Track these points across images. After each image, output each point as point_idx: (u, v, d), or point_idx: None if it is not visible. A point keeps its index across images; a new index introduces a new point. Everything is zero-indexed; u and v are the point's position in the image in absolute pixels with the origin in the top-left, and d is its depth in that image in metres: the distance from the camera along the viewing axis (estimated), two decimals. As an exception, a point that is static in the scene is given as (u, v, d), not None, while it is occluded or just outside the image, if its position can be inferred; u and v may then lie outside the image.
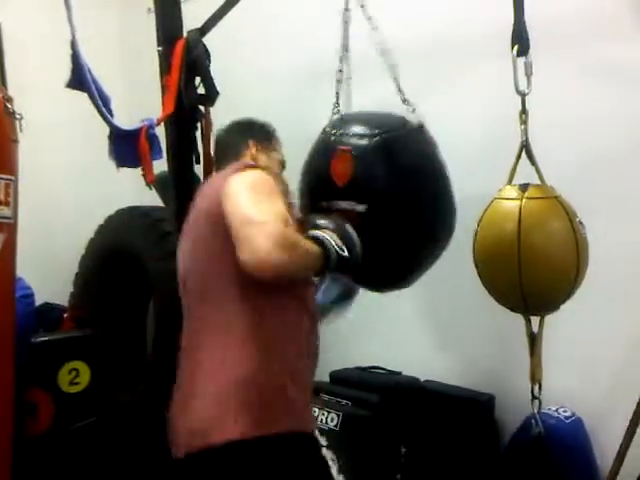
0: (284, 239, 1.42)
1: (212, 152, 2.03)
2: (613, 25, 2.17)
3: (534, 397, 1.75)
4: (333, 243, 1.57)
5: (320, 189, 1.93)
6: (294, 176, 2.00)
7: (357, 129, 1.91)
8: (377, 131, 1.86)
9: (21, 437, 2.28)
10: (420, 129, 1.96)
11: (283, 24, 3.06)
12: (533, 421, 1.83)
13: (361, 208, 1.80)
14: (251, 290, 1.54)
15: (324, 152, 1.97)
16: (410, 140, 1.92)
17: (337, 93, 2.11)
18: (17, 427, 2.24)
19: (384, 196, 1.83)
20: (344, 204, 1.84)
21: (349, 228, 1.64)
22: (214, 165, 1.97)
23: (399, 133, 1.89)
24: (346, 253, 1.57)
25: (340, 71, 2.10)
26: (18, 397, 2.25)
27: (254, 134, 1.95)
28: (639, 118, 2.12)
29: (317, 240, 1.57)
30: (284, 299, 1.59)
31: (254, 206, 1.50)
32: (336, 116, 2.11)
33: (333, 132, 1.97)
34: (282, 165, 1.95)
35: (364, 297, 2.78)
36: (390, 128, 1.88)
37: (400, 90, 1.98)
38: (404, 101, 1.96)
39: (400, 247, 1.86)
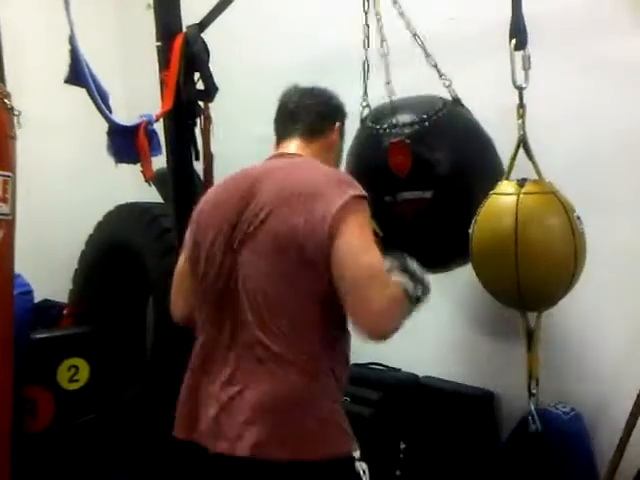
0: (394, 299, 1.41)
1: (279, 115, 1.80)
2: (612, 21, 2.16)
3: (531, 393, 1.75)
4: (410, 289, 1.47)
5: (380, 185, 1.90)
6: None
7: (403, 118, 1.92)
8: (424, 116, 1.90)
9: (20, 434, 2.29)
10: (457, 102, 2.01)
11: (283, 20, 3.05)
12: (530, 418, 1.82)
13: (428, 195, 1.82)
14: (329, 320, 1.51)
15: (375, 147, 1.96)
16: (455, 116, 1.97)
17: (365, 85, 2.11)
18: (16, 424, 2.25)
19: (448, 178, 1.85)
20: (409, 195, 1.85)
21: (411, 262, 1.53)
22: (276, 131, 1.77)
23: (444, 113, 1.93)
24: (420, 293, 1.50)
25: (365, 62, 2.10)
26: (17, 394, 2.26)
27: (340, 113, 1.79)
28: (637, 114, 2.11)
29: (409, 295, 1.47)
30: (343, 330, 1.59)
31: (371, 252, 1.41)
32: (366, 109, 2.12)
33: (378, 126, 1.97)
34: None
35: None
36: (434, 110, 1.92)
37: (437, 69, 2.02)
38: (441, 76, 2.00)
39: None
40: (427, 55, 2.02)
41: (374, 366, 2.82)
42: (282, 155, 1.68)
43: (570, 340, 2.32)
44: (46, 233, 3.10)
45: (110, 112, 2.47)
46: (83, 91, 2.40)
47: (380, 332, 1.42)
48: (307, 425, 1.45)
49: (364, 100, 2.11)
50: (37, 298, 2.69)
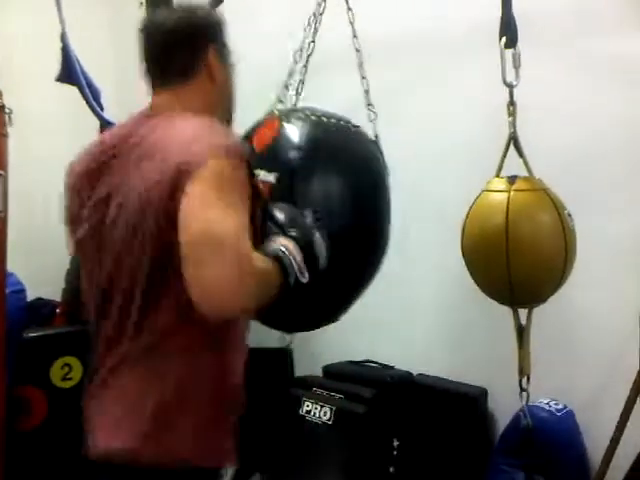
0: (250, 274, 1.14)
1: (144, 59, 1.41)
2: (605, 19, 2.17)
3: (522, 390, 1.75)
4: (295, 265, 1.27)
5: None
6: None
7: (304, 109, 1.74)
8: (316, 115, 1.68)
9: (13, 432, 2.28)
10: (362, 134, 1.78)
11: (272, 18, 3.04)
12: (522, 414, 1.83)
13: (271, 178, 1.58)
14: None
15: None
16: (348, 135, 1.73)
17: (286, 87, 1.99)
18: (10, 422, 2.25)
19: (297, 168, 1.60)
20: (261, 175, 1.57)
21: (317, 235, 1.37)
22: (159, 85, 1.38)
23: (339, 124, 1.70)
24: (305, 277, 1.28)
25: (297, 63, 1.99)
26: (10, 393, 2.25)
27: (209, 33, 1.39)
28: (628, 111, 2.12)
29: (277, 258, 1.26)
30: None
31: (217, 217, 1.15)
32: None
33: (284, 109, 1.81)
34: (233, 68, 1.48)
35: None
36: (332, 117, 1.71)
37: (366, 92, 1.89)
38: (368, 105, 1.86)
39: None
40: (362, 77, 1.90)
41: (368, 363, 2.83)
42: (147, 117, 1.36)
43: (562, 337, 2.32)
44: (38, 231, 3.09)
45: (102, 110, 2.48)
46: (75, 89, 2.40)
47: (216, 310, 1.15)
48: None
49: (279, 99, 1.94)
50: (30, 297, 2.68)
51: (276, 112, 1.76)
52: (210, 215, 1.16)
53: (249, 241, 1.18)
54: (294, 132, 1.62)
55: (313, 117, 1.65)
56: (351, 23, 1.92)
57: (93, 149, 1.41)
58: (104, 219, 1.32)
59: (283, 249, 1.27)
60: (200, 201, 1.17)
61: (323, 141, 1.63)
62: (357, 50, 1.91)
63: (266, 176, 1.58)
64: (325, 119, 1.66)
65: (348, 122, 1.72)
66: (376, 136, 1.79)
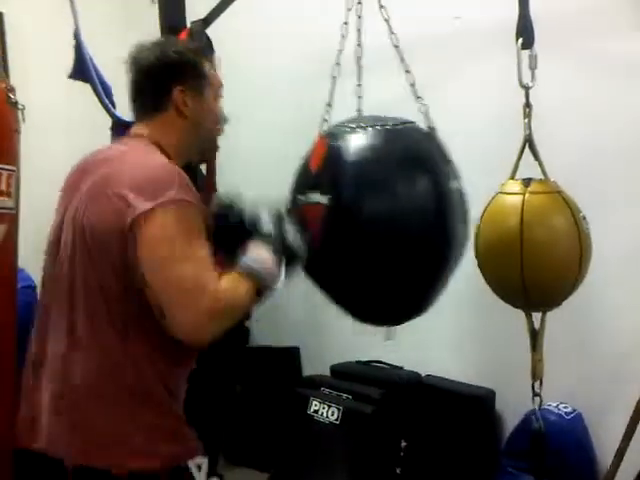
0: (222, 311, 1.30)
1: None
2: (617, 20, 2.16)
3: (535, 394, 1.74)
4: (264, 274, 1.37)
5: (299, 182, 1.71)
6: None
7: (352, 123, 1.69)
8: (369, 124, 1.65)
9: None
10: (424, 132, 1.73)
11: (287, 17, 3.04)
12: (533, 417, 1.82)
13: (324, 200, 1.56)
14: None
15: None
16: (401, 137, 1.67)
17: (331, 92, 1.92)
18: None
19: (350, 188, 1.58)
20: (311, 197, 1.59)
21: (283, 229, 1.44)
22: (136, 113, 1.54)
23: (394, 127, 1.66)
24: (281, 278, 1.39)
25: (338, 64, 1.92)
26: (19, 388, 2.25)
27: (177, 73, 1.48)
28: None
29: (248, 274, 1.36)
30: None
31: (185, 266, 1.28)
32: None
33: (338, 125, 1.76)
34: (218, 98, 1.57)
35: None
36: (385, 122, 1.66)
37: (413, 86, 1.84)
38: (417, 98, 1.81)
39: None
40: (407, 71, 1.85)
41: (376, 364, 2.83)
42: (123, 140, 1.56)
43: (572, 341, 2.32)
44: (49, 227, 3.10)
45: (114, 107, 2.47)
46: (87, 86, 2.40)
47: (200, 340, 1.33)
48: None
49: (327, 112, 1.89)
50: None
51: (323, 132, 1.75)
52: (170, 264, 1.29)
53: (212, 274, 1.31)
54: (342, 150, 1.62)
55: (359, 128, 1.64)
56: (386, 20, 1.89)
57: (76, 165, 1.59)
58: (63, 235, 1.49)
59: (249, 262, 1.36)
60: (156, 250, 1.30)
61: (372, 152, 1.61)
62: (395, 46, 1.86)
63: (316, 198, 1.58)
64: (371, 127, 1.64)
65: (397, 123, 1.67)
66: (432, 128, 1.74)
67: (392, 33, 1.87)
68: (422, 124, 1.74)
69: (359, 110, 1.97)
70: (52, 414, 1.41)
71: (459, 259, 1.65)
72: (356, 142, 1.61)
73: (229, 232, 1.48)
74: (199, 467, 1.42)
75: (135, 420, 1.36)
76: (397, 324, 1.82)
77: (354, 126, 1.65)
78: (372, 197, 1.56)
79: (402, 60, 1.83)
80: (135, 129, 1.54)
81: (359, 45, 1.92)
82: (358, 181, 1.56)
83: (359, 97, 1.98)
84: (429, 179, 1.59)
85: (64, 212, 1.52)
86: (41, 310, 1.57)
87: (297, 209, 1.61)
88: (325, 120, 1.82)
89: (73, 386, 1.39)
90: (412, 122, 1.70)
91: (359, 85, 1.94)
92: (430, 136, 1.71)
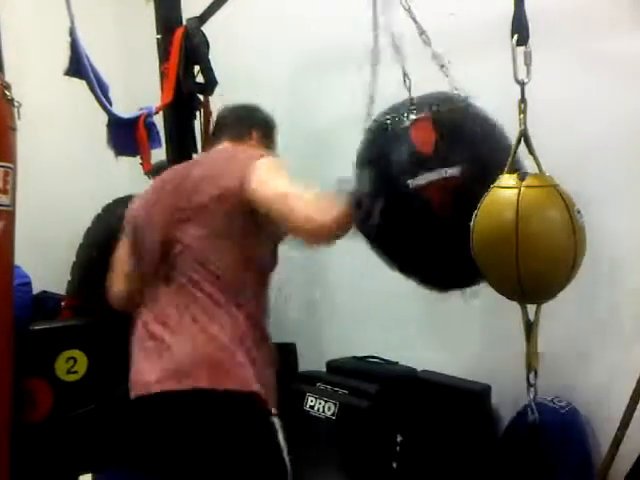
0: (327, 202, 1.62)
1: (211, 129, 2.15)
2: (615, 17, 2.18)
3: (530, 385, 1.76)
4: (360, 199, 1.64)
5: (403, 170, 1.78)
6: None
7: (420, 105, 1.85)
8: (442, 102, 1.85)
9: (19, 425, 2.29)
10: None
11: (283, 14, 3.05)
12: (529, 409, 1.84)
13: (455, 172, 1.73)
14: (260, 275, 1.82)
15: (391, 137, 1.85)
16: (472, 108, 1.90)
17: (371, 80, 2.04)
18: (15, 415, 2.25)
19: (475, 154, 1.77)
20: (432, 175, 1.73)
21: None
22: (210, 139, 2.09)
23: (463, 102, 1.89)
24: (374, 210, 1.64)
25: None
26: (16, 385, 2.26)
27: (259, 123, 2.04)
28: (638, 107, 2.13)
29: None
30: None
31: (291, 185, 1.68)
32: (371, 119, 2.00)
33: (390, 118, 1.86)
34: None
35: (360, 287, 2.79)
36: (452, 99, 1.89)
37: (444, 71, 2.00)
38: (447, 77, 1.98)
39: None
40: (435, 56, 2.00)
41: (372, 359, 2.84)
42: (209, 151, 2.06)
43: (566, 334, 2.33)
44: (45, 225, 3.10)
45: (110, 104, 2.48)
46: (83, 83, 2.40)
47: (316, 238, 1.69)
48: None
49: (371, 100, 2.02)
50: (35, 290, 2.69)
51: (394, 121, 1.86)
52: (274, 179, 1.72)
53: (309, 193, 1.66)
54: (451, 124, 1.81)
55: (440, 107, 1.83)
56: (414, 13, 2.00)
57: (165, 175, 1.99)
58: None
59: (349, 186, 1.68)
60: (263, 174, 1.73)
61: (468, 124, 1.82)
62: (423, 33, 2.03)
63: (447, 172, 1.73)
64: (448, 104, 1.85)
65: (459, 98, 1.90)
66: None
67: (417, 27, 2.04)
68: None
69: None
70: None
71: None
72: (457, 117, 1.82)
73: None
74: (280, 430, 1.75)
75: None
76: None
77: (434, 103, 1.84)
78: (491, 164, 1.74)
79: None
80: (220, 145, 2.02)
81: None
82: (481, 151, 1.77)
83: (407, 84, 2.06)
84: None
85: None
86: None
87: (420, 189, 1.74)
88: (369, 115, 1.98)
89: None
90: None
91: (405, 78, 2.04)
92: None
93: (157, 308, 1.78)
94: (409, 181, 1.73)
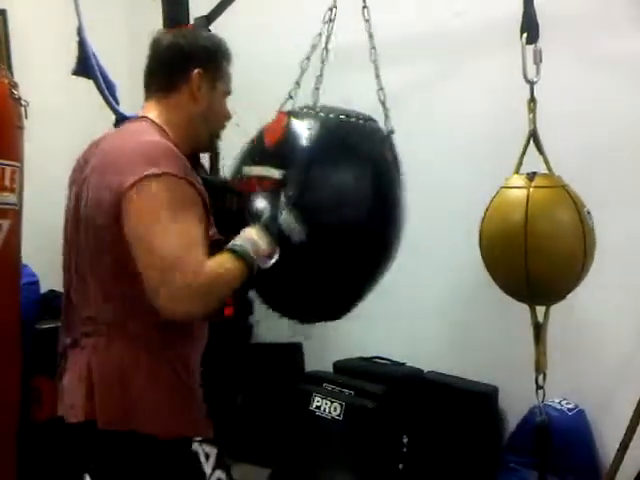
0: (201, 287, 1.30)
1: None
2: (622, 17, 2.17)
3: (538, 387, 1.75)
4: (252, 253, 1.38)
5: (248, 154, 1.69)
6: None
7: (315, 109, 1.69)
8: (332, 114, 1.66)
9: (26, 423, 2.29)
10: (382, 134, 1.74)
11: (289, 13, 3.04)
12: (537, 410, 1.83)
13: (276, 174, 1.54)
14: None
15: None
16: (363, 132, 1.69)
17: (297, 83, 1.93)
18: (23, 413, 2.25)
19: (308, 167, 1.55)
20: (258, 170, 1.59)
21: (284, 213, 1.46)
22: (147, 93, 1.58)
23: (356, 122, 1.68)
24: (270, 261, 1.40)
25: (307, 59, 1.95)
26: (24, 384, 2.26)
27: (201, 57, 1.54)
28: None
29: (236, 252, 1.37)
30: None
31: (166, 238, 1.30)
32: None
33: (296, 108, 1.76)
34: (226, 95, 1.61)
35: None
36: (343, 114, 1.68)
37: (381, 88, 1.84)
38: (383, 103, 1.82)
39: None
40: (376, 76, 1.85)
41: (379, 360, 2.83)
42: (129, 120, 1.63)
43: (574, 337, 2.32)
44: (52, 224, 3.09)
45: (117, 104, 2.47)
46: (90, 82, 2.40)
47: (176, 316, 1.33)
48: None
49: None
50: (43, 289, 2.68)
51: (285, 108, 1.76)
52: (152, 236, 1.31)
53: (196, 249, 1.31)
54: (302, 128, 1.61)
55: (322, 114, 1.65)
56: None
57: (85, 150, 1.59)
58: (76, 213, 1.55)
59: (239, 242, 1.38)
60: (140, 221, 1.33)
61: (329, 138, 1.62)
62: (373, 48, 1.88)
63: (269, 172, 1.57)
64: (333, 115, 1.66)
65: (360, 118, 1.70)
66: (391, 131, 1.75)
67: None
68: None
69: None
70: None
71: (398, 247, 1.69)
72: (317, 126, 1.62)
73: (225, 215, 1.51)
74: (207, 455, 1.43)
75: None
76: (335, 318, 1.81)
77: (318, 110, 1.67)
78: (321, 182, 1.57)
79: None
80: (143, 109, 1.58)
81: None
82: (311, 165, 1.56)
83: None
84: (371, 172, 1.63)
85: (75, 201, 1.56)
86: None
87: (242, 180, 1.61)
88: (291, 97, 1.84)
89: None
90: (374, 120, 1.73)
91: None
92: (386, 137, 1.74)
93: None
94: (245, 168, 1.65)
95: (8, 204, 2.14)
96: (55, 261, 3.00)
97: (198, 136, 1.57)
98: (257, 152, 1.66)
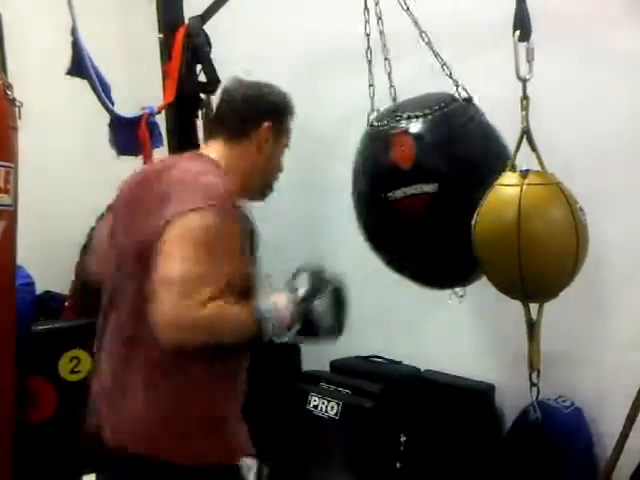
0: (196, 323, 1.34)
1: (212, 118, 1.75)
2: (616, 13, 2.16)
3: (532, 384, 1.75)
4: (271, 329, 1.42)
5: (384, 181, 1.88)
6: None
7: (407, 112, 1.88)
8: (428, 110, 1.85)
9: (22, 425, 2.29)
10: (469, 102, 1.94)
11: (285, 13, 3.04)
12: (532, 408, 1.83)
13: (430, 188, 1.76)
14: None
15: (379, 144, 1.93)
16: (463, 112, 1.90)
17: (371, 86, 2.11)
18: (18, 415, 2.25)
19: (452, 171, 1.80)
20: (410, 190, 1.79)
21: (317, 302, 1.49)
22: (206, 131, 1.78)
23: (451, 108, 1.88)
24: (295, 328, 1.44)
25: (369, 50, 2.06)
26: (19, 385, 2.26)
27: (272, 111, 1.62)
28: (640, 105, 2.12)
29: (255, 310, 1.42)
30: None
31: (184, 264, 1.34)
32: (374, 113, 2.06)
33: (382, 123, 1.93)
34: (286, 148, 1.72)
35: (364, 287, 2.77)
36: (440, 105, 1.87)
37: (445, 65, 1.98)
38: (450, 75, 1.95)
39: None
40: (435, 54, 2.01)
41: (375, 359, 2.83)
42: (190, 155, 1.64)
43: (570, 334, 2.32)
44: (47, 225, 3.09)
45: (112, 104, 2.48)
46: (85, 83, 2.40)
47: (161, 337, 1.36)
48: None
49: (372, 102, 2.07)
50: (39, 290, 2.68)
51: (384, 127, 1.92)
52: (173, 260, 1.35)
53: (214, 287, 1.34)
54: (429, 137, 1.82)
55: (417, 113, 1.85)
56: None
57: (135, 176, 1.64)
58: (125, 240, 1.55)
59: (266, 311, 1.42)
60: (169, 252, 1.37)
61: (458, 137, 1.85)
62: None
63: (423, 188, 1.76)
64: (429, 110, 1.86)
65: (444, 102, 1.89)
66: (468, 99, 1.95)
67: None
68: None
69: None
70: None
71: None
72: (429, 129, 1.83)
73: None
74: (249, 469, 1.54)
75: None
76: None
77: (419, 114, 1.86)
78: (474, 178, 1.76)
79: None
80: (204, 149, 1.64)
81: (382, 32, 2.09)
82: (461, 167, 1.77)
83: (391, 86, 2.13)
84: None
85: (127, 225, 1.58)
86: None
87: (391, 204, 1.79)
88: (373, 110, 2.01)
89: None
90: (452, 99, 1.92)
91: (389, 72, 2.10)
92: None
93: None
94: (389, 194, 1.82)
95: (2, 205, 2.14)
96: (50, 262, 3.02)
97: (255, 184, 1.64)
98: (395, 178, 1.83)
